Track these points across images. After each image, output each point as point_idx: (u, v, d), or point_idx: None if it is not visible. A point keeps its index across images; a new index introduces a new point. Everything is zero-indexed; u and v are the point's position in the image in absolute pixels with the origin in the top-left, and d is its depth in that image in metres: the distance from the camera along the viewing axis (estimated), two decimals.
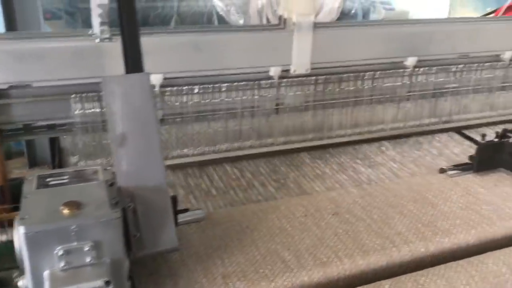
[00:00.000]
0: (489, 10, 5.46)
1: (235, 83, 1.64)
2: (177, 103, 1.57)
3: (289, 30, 1.65)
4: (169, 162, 1.60)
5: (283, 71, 1.69)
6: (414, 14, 5.30)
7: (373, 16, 4.94)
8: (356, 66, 1.77)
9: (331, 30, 1.73)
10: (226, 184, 1.59)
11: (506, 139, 1.56)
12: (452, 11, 5.73)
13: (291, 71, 1.69)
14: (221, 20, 4.54)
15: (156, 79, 1.49)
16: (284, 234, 1.30)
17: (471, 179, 1.59)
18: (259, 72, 1.67)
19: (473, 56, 1.92)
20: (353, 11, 4.95)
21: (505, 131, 1.57)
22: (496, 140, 1.57)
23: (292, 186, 1.59)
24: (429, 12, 5.31)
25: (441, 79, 1.88)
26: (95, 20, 1.41)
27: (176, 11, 4.45)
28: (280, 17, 1.69)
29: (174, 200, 1.14)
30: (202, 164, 1.68)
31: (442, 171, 1.62)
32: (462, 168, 1.61)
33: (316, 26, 1.65)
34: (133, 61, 1.02)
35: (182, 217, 1.26)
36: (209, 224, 1.33)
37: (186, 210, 1.31)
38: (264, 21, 4.70)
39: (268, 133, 1.76)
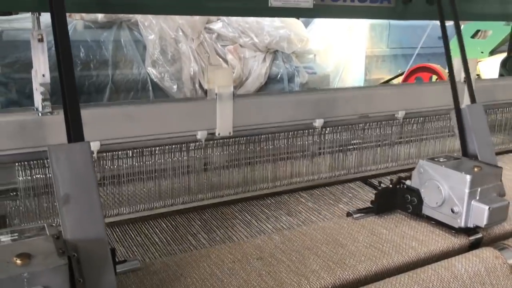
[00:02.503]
0: (400, 71, 6.09)
1: (167, 146, 1.85)
2: (114, 166, 1.74)
3: (213, 99, 1.90)
4: (108, 220, 1.75)
5: (209, 134, 1.92)
6: (335, 77, 5.77)
7: (297, 80, 5.32)
8: (272, 128, 2.04)
9: (249, 99, 2.00)
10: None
11: (399, 185, 1.84)
12: (368, 73, 6.29)
13: (216, 134, 1.93)
14: (155, 86, 4.74)
15: (94, 145, 1.67)
16: (214, 279, 1.46)
17: (375, 222, 1.83)
18: (188, 136, 1.89)
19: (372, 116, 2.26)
20: (279, 76, 5.31)
21: (399, 178, 1.85)
22: (391, 186, 1.85)
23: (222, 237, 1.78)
24: (347, 74, 5.80)
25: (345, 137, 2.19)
26: (38, 96, 1.58)
27: (110, 79, 4.59)
28: (206, 90, 1.95)
29: (113, 252, 1.29)
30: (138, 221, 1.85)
31: (349, 214, 1.86)
32: (365, 211, 1.86)
33: (236, 95, 1.91)
34: (75, 132, 1.20)
35: (120, 268, 1.42)
36: (146, 274, 1.47)
37: (124, 261, 1.45)
38: (197, 87, 4.98)
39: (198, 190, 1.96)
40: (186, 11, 1.86)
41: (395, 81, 5.67)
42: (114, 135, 1.73)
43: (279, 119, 2.05)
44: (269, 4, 1.71)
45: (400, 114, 2.30)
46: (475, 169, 1.67)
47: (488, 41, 5.53)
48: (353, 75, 5.91)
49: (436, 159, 1.75)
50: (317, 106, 2.08)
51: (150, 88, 4.75)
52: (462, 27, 5.28)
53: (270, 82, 5.27)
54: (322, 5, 1.79)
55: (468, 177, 1.62)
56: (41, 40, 1.48)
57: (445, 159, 1.76)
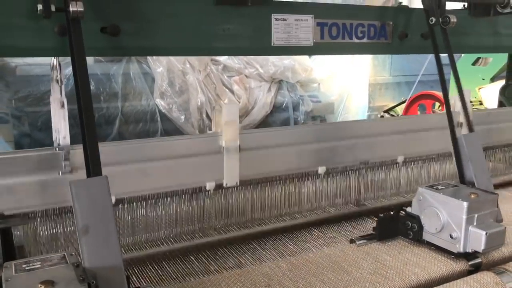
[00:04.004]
0: (403, 99, 6.19)
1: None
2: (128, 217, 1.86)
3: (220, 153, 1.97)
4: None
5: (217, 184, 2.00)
6: (339, 105, 5.88)
7: (302, 109, 5.42)
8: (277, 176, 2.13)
9: (254, 151, 2.05)
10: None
11: (399, 212, 1.91)
12: (372, 100, 6.40)
13: (224, 185, 2.00)
14: (164, 117, 4.85)
15: None
16: None
17: (379, 248, 1.87)
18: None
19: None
20: (284, 105, 5.41)
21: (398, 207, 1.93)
22: (391, 213, 1.92)
23: None
24: (351, 102, 5.91)
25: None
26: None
27: (120, 111, 4.70)
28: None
29: (127, 279, 1.37)
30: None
31: (352, 241, 1.93)
32: (368, 238, 1.92)
33: (241, 148, 1.99)
34: (94, 167, 1.29)
35: None
36: None
37: None
38: (204, 117, 5.08)
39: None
40: (195, 52, 1.93)
41: (398, 109, 5.77)
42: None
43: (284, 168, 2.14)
44: (272, 44, 1.82)
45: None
46: (472, 196, 1.74)
47: (489, 68, 5.66)
48: (357, 103, 6.02)
49: (434, 187, 1.83)
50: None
51: (159, 119, 4.86)
52: (462, 55, 5.41)
53: (276, 111, 5.37)
54: (322, 43, 1.90)
55: (465, 203, 1.69)
56: (63, 107, 1.59)
57: (443, 187, 1.83)
